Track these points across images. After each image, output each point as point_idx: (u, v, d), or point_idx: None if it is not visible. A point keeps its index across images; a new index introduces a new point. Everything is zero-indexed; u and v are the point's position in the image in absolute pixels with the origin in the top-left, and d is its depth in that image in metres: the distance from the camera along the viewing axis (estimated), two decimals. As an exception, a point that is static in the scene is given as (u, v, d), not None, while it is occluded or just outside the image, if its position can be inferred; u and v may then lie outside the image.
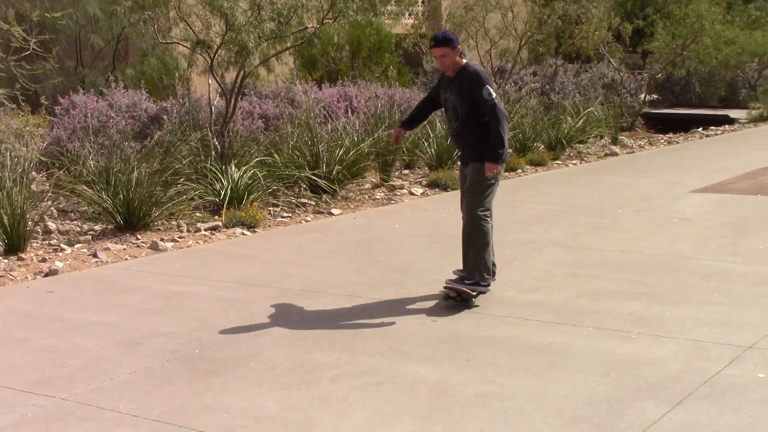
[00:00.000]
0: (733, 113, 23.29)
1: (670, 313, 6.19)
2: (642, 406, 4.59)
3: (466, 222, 6.47)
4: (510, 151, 5.70)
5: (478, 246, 6.40)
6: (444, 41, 6.31)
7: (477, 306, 6.37)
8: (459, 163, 6.88)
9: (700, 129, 21.13)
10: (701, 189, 11.63)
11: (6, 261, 8.23)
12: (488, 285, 6.53)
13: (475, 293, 6.40)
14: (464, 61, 6.42)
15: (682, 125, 21.72)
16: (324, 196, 11.28)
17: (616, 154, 16.36)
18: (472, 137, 6.41)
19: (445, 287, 6.48)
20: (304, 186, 11.58)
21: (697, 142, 18.45)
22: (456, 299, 6.42)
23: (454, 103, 6.43)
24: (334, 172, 11.49)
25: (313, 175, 11.39)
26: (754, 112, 22.81)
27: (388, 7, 13.90)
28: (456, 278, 6.53)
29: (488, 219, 6.45)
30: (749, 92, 26.32)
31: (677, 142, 18.54)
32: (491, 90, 6.24)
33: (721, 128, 21.23)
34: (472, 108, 6.33)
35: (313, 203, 11.06)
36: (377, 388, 4.92)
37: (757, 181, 12.31)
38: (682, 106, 24.99)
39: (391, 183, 12.53)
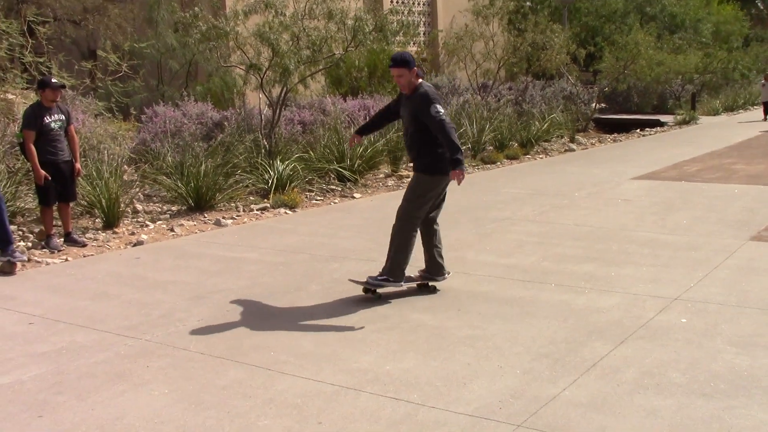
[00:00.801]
0: (663, 118, 23.17)
1: (615, 273, 6.13)
2: (593, 345, 4.55)
3: (395, 223, 5.65)
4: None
5: (396, 246, 5.59)
6: (401, 62, 5.46)
7: (380, 295, 5.62)
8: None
9: (638, 130, 21.02)
10: (639, 176, 11.52)
11: (104, 234, 8.23)
12: (396, 283, 5.60)
13: (377, 288, 5.61)
14: (419, 81, 5.54)
15: (624, 127, 21.62)
16: (348, 183, 11.25)
17: (573, 150, 16.23)
18: (416, 150, 5.55)
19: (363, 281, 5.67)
20: (333, 176, 11.53)
21: (636, 141, 18.29)
22: (370, 292, 5.64)
23: (407, 118, 5.57)
24: (356, 165, 11.46)
25: (340, 167, 11.37)
26: (678, 117, 22.81)
27: (397, 38, 13.76)
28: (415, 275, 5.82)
29: (413, 225, 5.61)
30: (675, 102, 26.22)
31: (620, 141, 18.39)
32: (438, 107, 5.37)
33: (654, 129, 21.13)
34: (419, 124, 5.46)
35: (340, 189, 11.01)
36: (389, 331, 4.89)
37: (681, 170, 12.19)
38: (624, 113, 24.82)
39: (400, 173, 12.47)
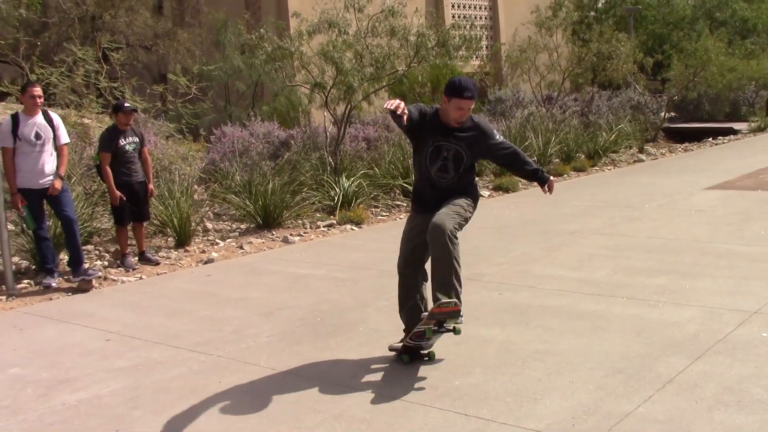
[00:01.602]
0: (737, 126, 22.50)
1: (689, 286, 5.96)
2: (668, 360, 4.42)
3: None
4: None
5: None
6: (475, 95, 4.52)
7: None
8: (415, 212, 4.85)
9: (710, 139, 20.45)
10: (712, 186, 11.20)
11: (176, 252, 8.42)
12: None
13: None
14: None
15: (696, 136, 21.07)
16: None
17: (642, 160, 15.88)
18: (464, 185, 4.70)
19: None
20: (398, 191, 11.55)
21: (708, 150, 17.79)
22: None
23: (460, 152, 4.55)
24: (421, 181, 11.42)
25: (405, 182, 11.36)
26: (753, 124, 22.14)
27: (460, 52, 13.75)
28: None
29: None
30: (749, 108, 25.45)
31: (692, 150, 17.91)
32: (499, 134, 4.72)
33: (727, 138, 20.51)
34: (473, 160, 4.67)
35: (405, 204, 11.01)
36: (456, 347, 4.85)
37: (757, 179, 11.79)
38: (695, 121, 24.20)
39: (465, 187, 12.39)
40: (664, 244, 7.50)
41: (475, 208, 4.74)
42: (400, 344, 4.73)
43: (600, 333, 4.97)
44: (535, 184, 4.82)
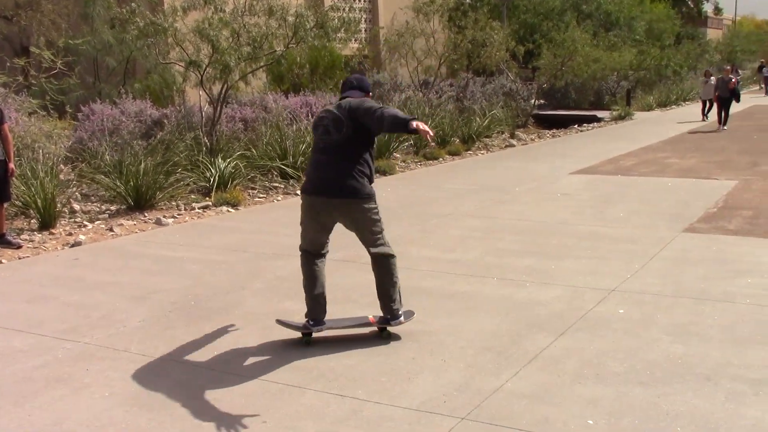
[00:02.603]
0: (600, 114, 23.66)
1: (555, 266, 6.24)
2: (534, 337, 4.62)
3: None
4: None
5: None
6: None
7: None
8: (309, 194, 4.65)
9: (576, 126, 21.38)
10: (577, 171, 11.75)
11: (40, 235, 8.00)
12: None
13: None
14: None
15: (563, 123, 22.01)
16: (291, 180, 11.17)
17: (513, 145, 16.45)
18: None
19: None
20: (276, 173, 11.44)
21: (574, 136, 18.63)
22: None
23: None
24: (299, 162, 11.37)
25: (282, 164, 11.28)
26: (614, 112, 23.30)
27: (338, 35, 13.73)
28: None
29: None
30: (611, 98, 26.82)
31: (559, 136, 18.71)
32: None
33: (591, 125, 21.51)
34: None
35: (283, 186, 10.93)
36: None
37: (617, 164, 12.47)
38: (562, 109, 25.28)
39: (343, 170, 12.42)
40: (532, 226, 7.82)
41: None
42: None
43: (471, 313, 5.13)
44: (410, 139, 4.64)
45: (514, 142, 16.91)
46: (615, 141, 16.40)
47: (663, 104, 27.88)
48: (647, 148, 14.84)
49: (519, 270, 6.15)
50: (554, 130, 20.22)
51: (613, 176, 11.14)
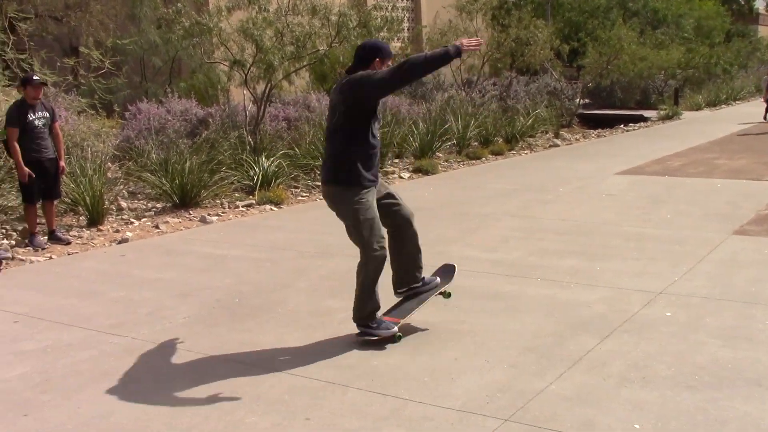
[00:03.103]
0: (647, 113, 23.30)
1: (599, 267, 6.17)
2: (578, 339, 4.57)
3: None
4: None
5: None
6: None
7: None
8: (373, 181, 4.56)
9: (621, 125, 21.11)
10: (623, 171, 11.59)
11: (88, 232, 8.17)
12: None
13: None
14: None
15: (608, 123, 21.71)
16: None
17: (558, 145, 16.29)
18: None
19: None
20: (318, 172, 11.50)
21: (620, 136, 18.38)
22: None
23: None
24: (341, 161, 11.39)
25: (325, 163, 11.32)
26: (662, 112, 22.93)
27: (381, 33, 13.75)
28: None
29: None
30: (658, 97, 26.39)
31: (605, 136, 18.47)
32: None
33: (637, 125, 21.21)
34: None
35: (325, 185, 10.97)
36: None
37: (665, 165, 12.27)
38: (608, 108, 24.94)
39: (385, 169, 12.45)
40: (576, 226, 7.73)
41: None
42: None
43: (514, 313, 5.09)
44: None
45: (558, 141, 16.75)
46: (662, 141, 16.14)
47: (712, 103, 27.33)
48: (695, 148, 14.56)
49: (562, 270, 6.09)
50: (599, 130, 19.97)
51: (660, 177, 10.96)
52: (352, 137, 4.42)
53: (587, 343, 4.49)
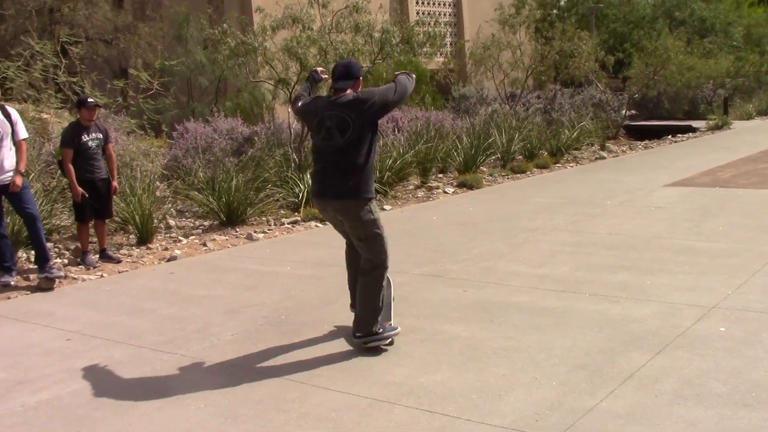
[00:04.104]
0: (695, 123, 22.89)
1: (650, 282, 6.06)
2: (630, 355, 4.49)
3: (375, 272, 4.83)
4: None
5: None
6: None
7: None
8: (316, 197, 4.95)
9: (669, 137, 20.77)
10: (672, 183, 11.39)
11: (138, 250, 8.32)
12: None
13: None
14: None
15: (655, 134, 21.40)
16: (378, 195, 11.23)
17: (604, 157, 16.09)
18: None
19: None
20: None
21: (668, 147, 18.08)
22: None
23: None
24: (386, 177, 11.45)
25: (369, 179, 11.36)
26: (711, 122, 22.50)
27: (424, 49, 13.80)
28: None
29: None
30: (707, 107, 25.92)
31: (652, 147, 18.19)
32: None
33: (685, 136, 20.85)
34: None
35: (370, 201, 11.01)
36: (421, 344, 4.88)
37: (715, 176, 12.02)
38: (654, 119, 24.59)
39: (429, 184, 12.45)
40: (625, 240, 7.61)
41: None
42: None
43: (563, 329, 5.03)
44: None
45: (604, 154, 16.55)
46: (712, 152, 15.83)
47: (764, 112, 26.71)
48: (747, 158, 14.24)
49: (612, 285, 6.00)
50: (646, 141, 19.67)
51: (711, 188, 10.74)
52: (368, 152, 4.66)
53: (639, 360, 4.41)
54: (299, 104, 4.97)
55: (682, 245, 7.27)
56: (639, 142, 19.59)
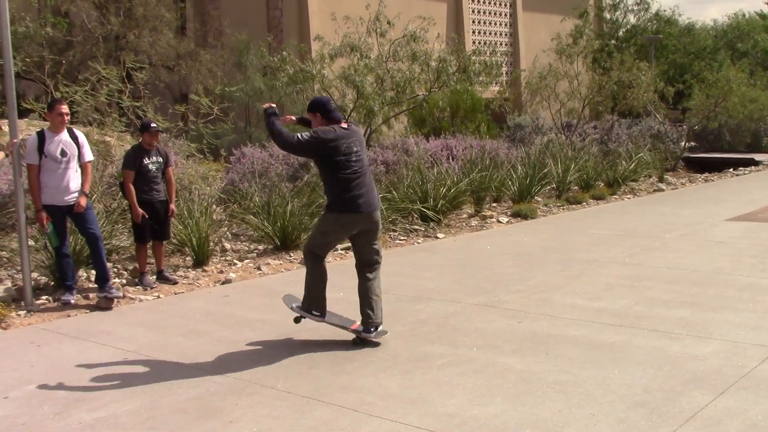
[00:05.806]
0: (758, 156, 22.36)
1: (712, 319, 5.88)
2: (691, 395, 4.35)
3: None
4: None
5: (306, 281, 5.87)
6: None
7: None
8: (362, 212, 5.58)
9: (731, 170, 20.32)
10: (734, 218, 11.10)
11: (194, 272, 8.43)
12: (316, 316, 5.70)
13: (300, 316, 5.76)
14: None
15: (716, 167, 20.95)
16: (431, 223, 11.22)
17: (662, 190, 15.80)
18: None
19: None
20: (416, 216, 11.53)
21: (729, 180, 17.67)
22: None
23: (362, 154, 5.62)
24: (439, 205, 11.42)
25: (423, 207, 11.35)
26: (774, 155, 21.91)
27: (480, 78, 13.81)
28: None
29: (311, 259, 5.80)
30: (770, 139, 25.27)
31: (713, 180, 17.80)
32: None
33: (748, 169, 20.38)
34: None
35: (423, 229, 11.00)
36: (475, 375, 4.81)
37: (780, 211, 11.69)
38: (715, 152, 24.07)
39: (483, 213, 12.38)
40: (685, 275, 7.43)
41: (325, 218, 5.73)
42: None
43: (621, 365, 4.91)
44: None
45: (662, 186, 16.25)
46: (775, 186, 15.39)
47: (830, 146, 25.92)
48: (813, 193, 13.81)
49: (672, 321, 5.84)
50: (707, 174, 19.25)
51: (775, 223, 10.43)
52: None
53: (701, 400, 4.27)
54: (329, 136, 5.47)
55: (746, 282, 7.05)
56: (699, 175, 19.18)
